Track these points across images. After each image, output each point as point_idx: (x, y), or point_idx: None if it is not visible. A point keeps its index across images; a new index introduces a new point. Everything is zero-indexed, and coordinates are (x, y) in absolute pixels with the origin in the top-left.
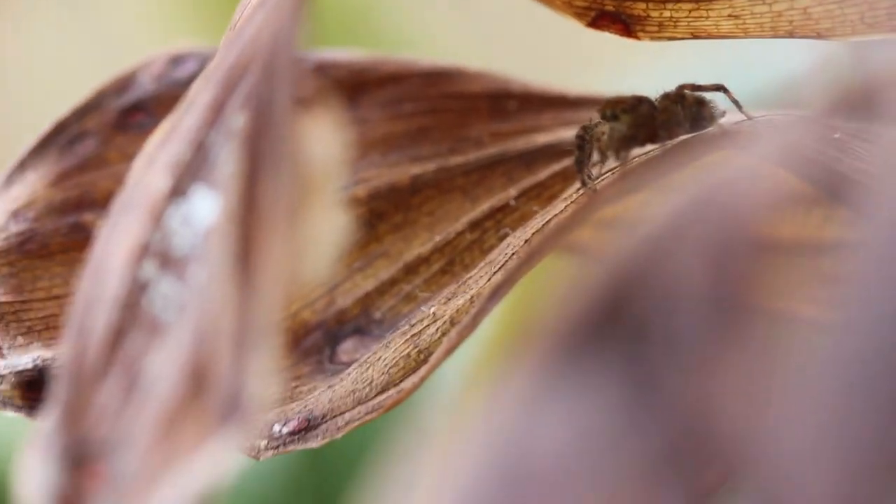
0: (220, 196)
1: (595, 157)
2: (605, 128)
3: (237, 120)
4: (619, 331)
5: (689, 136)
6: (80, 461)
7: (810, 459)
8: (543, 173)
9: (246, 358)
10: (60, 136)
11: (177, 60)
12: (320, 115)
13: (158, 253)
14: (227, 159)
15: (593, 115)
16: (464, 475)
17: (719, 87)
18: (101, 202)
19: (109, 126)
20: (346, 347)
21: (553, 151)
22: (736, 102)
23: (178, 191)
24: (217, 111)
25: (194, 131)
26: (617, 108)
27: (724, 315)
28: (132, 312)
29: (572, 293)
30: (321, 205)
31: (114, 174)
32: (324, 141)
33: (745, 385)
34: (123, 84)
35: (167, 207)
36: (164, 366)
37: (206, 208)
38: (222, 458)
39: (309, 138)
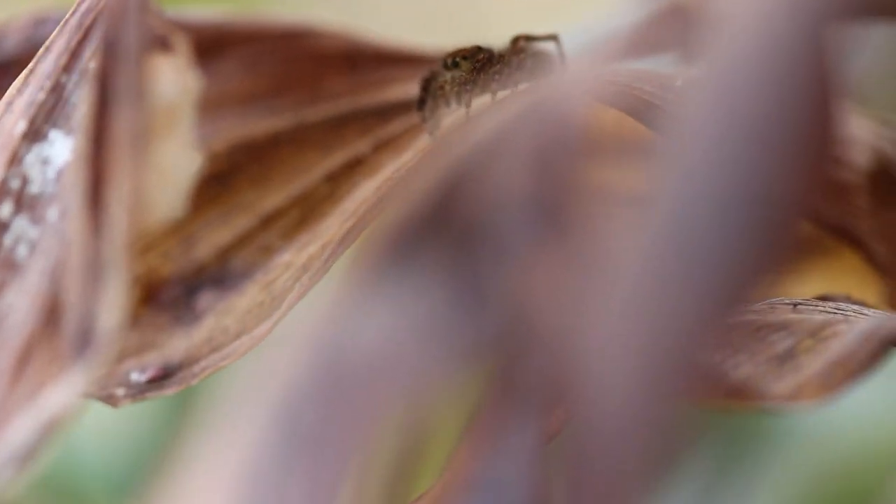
0: (76, 137)
1: (440, 105)
2: (447, 75)
3: (93, 64)
4: (444, 232)
5: (531, 84)
6: None
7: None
8: (396, 126)
9: (96, 292)
10: None
11: (40, 21)
12: (169, 54)
13: (16, 194)
14: (82, 101)
15: (436, 67)
16: (287, 373)
17: (552, 37)
18: None
19: None
20: (204, 298)
21: (405, 105)
22: (562, 53)
23: (34, 133)
24: (73, 55)
25: (50, 75)
26: (457, 56)
27: (546, 216)
28: None
29: (400, 199)
30: (171, 143)
31: None
32: (173, 80)
33: (564, 282)
34: None
35: (24, 149)
36: (18, 302)
37: (62, 149)
38: (76, 388)
39: (159, 79)
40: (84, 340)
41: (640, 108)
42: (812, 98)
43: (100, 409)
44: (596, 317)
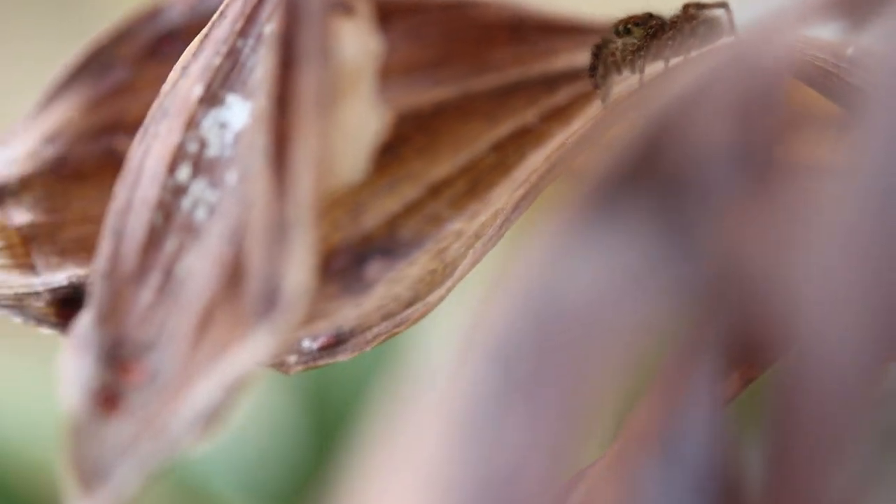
0: (254, 101)
1: (611, 71)
2: (619, 42)
3: (269, 28)
4: (651, 181)
5: (703, 50)
6: (117, 359)
7: (829, 304)
8: (562, 96)
9: (281, 253)
10: (93, 64)
11: None
12: (352, 18)
13: (193, 157)
14: (260, 66)
15: (607, 34)
16: (500, 319)
17: (722, 4)
18: (132, 128)
19: (141, 54)
20: (373, 268)
21: (571, 74)
22: (732, 21)
23: (211, 97)
24: (248, 19)
25: (226, 39)
26: (629, 23)
27: (752, 165)
28: (168, 215)
29: (605, 152)
30: (354, 104)
31: (146, 100)
32: (356, 42)
33: (772, 231)
34: (154, 14)
35: (201, 113)
36: (200, 266)
37: (240, 113)
38: (260, 351)
39: (341, 38)
40: (270, 302)
41: (819, 77)
42: None
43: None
44: (808, 270)
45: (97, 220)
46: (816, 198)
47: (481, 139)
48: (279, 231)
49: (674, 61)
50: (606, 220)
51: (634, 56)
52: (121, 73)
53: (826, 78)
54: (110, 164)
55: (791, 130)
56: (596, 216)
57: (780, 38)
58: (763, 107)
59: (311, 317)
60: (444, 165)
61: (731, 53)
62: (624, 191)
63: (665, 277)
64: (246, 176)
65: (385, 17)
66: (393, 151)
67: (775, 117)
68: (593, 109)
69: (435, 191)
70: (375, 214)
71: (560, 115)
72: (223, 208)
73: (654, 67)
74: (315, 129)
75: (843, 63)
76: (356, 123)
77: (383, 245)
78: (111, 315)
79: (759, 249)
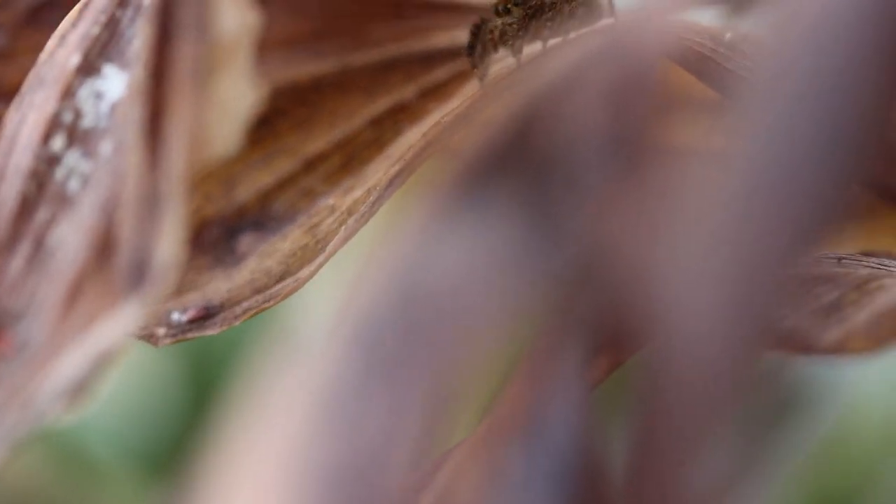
0: (131, 72)
1: (490, 50)
2: (498, 22)
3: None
4: (520, 165)
5: (581, 31)
6: None
7: (694, 291)
8: (441, 72)
9: (152, 225)
10: None
11: None
12: None
13: (68, 127)
14: (137, 37)
15: (486, 14)
16: (366, 301)
17: None
18: (9, 95)
19: (19, 21)
20: (245, 241)
21: (451, 52)
22: (611, 3)
23: (88, 67)
24: None
25: (104, 9)
26: (508, 3)
27: (622, 151)
28: (41, 185)
29: (475, 134)
30: (230, 77)
31: (23, 67)
32: (233, 15)
33: (640, 217)
34: None
35: (77, 83)
36: (71, 236)
37: (116, 84)
38: (129, 322)
39: (218, 12)
40: (139, 274)
41: (697, 61)
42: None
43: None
44: (674, 256)
45: None
46: (685, 184)
47: (358, 114)
48: (151, 203)
49: (552, 42)
50: (474, 203)
51: (513, 36)
52: None
53: (703, 62)
54: None
55: (664, 115)
56: (464, 199)
57: (658, 22)
58: (636, 92)
59: (181, 289)
60: (319, 140)
61: (606, 37)
62: (493, 174)
63: (532, 262)
64: (120, 147)
65: None
66: (269, 125)
67: (648, 103)
68: (472, 88)
69: (309, 165)
70: (248, 187)
71: (438, 92)
72: (96, 179)
73: (532, 48)
74: (190, 102)
75: (721, 48)
76: (231, 97)
77: (255, 218)
78: None
79: (627, 235)
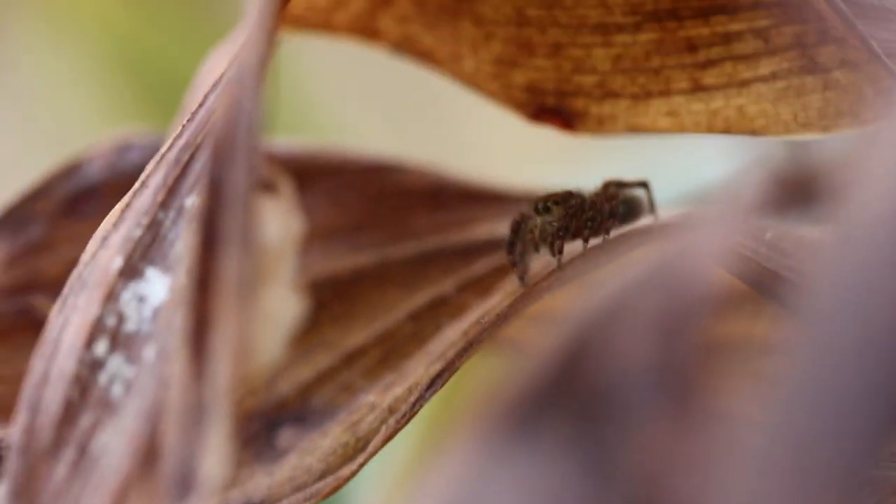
0: (173, 275)
1: (529, 249)
2: (538, 220)
3: (190, 200)
4: (568, 401)
5: (622, 231)
6: None
7: None
8: (480, 266)
9: (198, 437)
10: (9, 221)
11: (123, 148)
12: (275, 198)
13: (111, 331)
14: (180, 239)
15: (525, 209)
16: None
17: (643, 184)
18: (49, 286)
19: (58, 211)
20: (285, 435)
21: (490, 245)
22: (652, 202)
23: (131, 270)
24: (170, 191)
25: (147, 211)
26: (548, 201)
27: (673, 386)
28: (84, 390)
29: (520, 369)
30: (274, 286)
31: (62, 259)
32: (278, 223)
33: (692, 456)
34: (72, 170)
35: (120, 286)
36: (115, 443)
37: (159, 287)
38: None
39: (263, 220)
40: (184, 486)
41: (737, 261)
42: None
43: None
44: (730, 495)
45: (10, 381)
46: (738, 421)
47: (398, 308)
48: (196, 414)
49: (593, 242)
50: (524, 438)
51: (553, 236)
52: (37, 230)
53: (744, 263)
54: (26, 324)
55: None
56: (513, 434)
57: (706, 243)
58: (686, 325)
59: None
60: (359, 333)
61: (655, 262)
62: (541, 406)
63: (583, 501)
64: (164, 353)
65: (304, 179)
66: (309, 318)
67: (699, 336)
68: (512, 283)
69: (349, 359)
70: (289, 381)
71: (478, 286)
72: (140, 385)
73: (572, 246)
74: (235, 313)
75: (762, 247)
76: (276, 307)
77: (296, 412)
78: (25, 490)
79: (680, 474)
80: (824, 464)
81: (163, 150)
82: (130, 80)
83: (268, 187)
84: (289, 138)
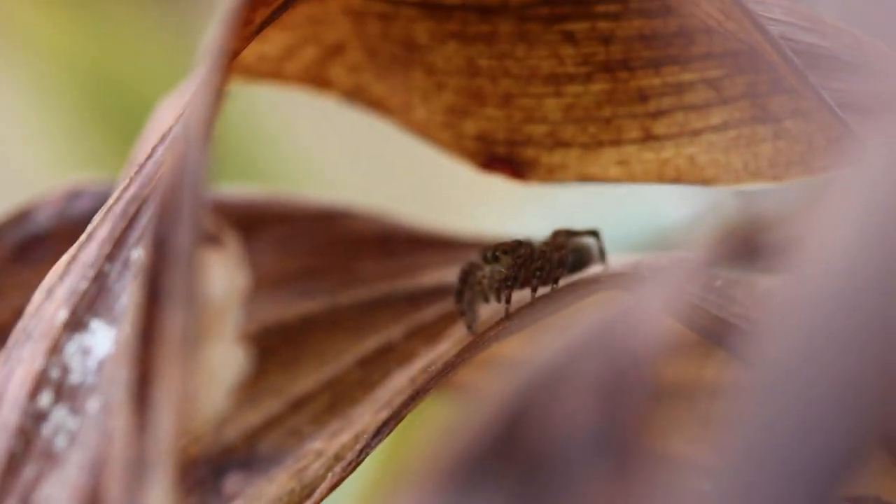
0: (118, 328)
1: (478, 298)
2: (486, 270)
3: (136, 252)
4: (509, 464)
5: (571, 280)
6: None
7: None
8: (429, 313)
9: (140, 488)
10: None
11: (73, 195)
12: (219, 252)
13: (55, 383)
14: (126, 291)
15: (474, 258)
16: None
17: (593, 233)
18: None
19: (6, 258)
20: (232, 481)
21: (439, 291)
22: (602, 251)
23: (76, 322)
24: (116, 244)
25: (93, 263)
26: (497, 250)
27: (615, 451)
28: (28, 441)
29: (462, 426)
30: (218, 339)
31: (10, 306)
32: (222, 276)
33: None
34: (20, 217)
35: (65, 338)
36: (58, 495)
37: (104, 340)
38: None
39: (208, 273)
40: None
41: (686, 310)
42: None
43: None
44: None
45: None
46: (686, 469)
47: (346, 354)
48: (139, 467)
49: (542, 290)
50: (467, 496)
51: (501, 285)
52: None
53: (693, 311)
54: None
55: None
56: (456, 490)
57: (656, 293)
58: (630, 386)
59: None
60: (307, 379)
61: (603, 314)
62: (485, 464)
63: None
64: (108, 405)
65: (252, 227)
66: (257, 364)
67: (642, 397)
68: (460, 330)
69: (297, 405)
70: (236, 427)
71: (426, 333)
72: (84, 437)
73: (522, 294)
74: (179, 366)
75: (712, 295)
76: (220, 359)
77: (243, 458)
78: None
79: None
80: None
81: (110, 202)
82: (91, 109)
83: (213, 240)
84: (237, 186)
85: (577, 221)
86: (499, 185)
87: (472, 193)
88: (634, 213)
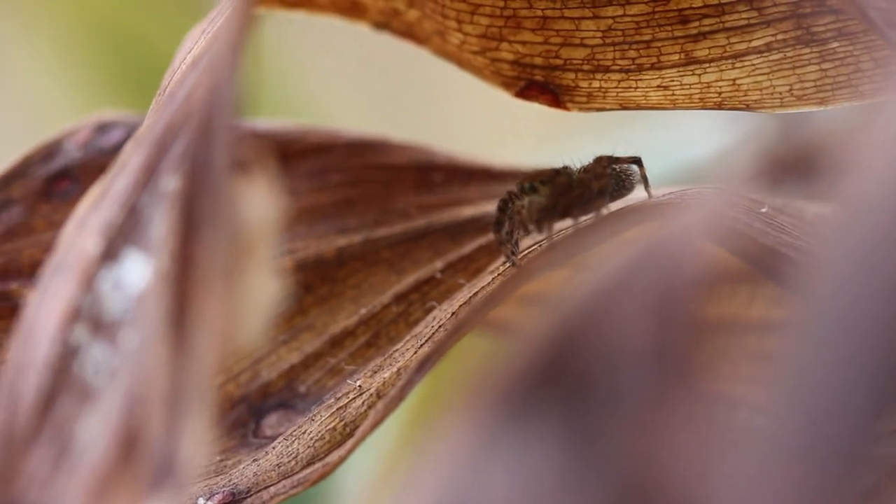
0: (153, 259)
1: (518, 229)
2: (525, 200)
3: (170, 182)
4: (561, 385)
5: (615, 209)
6: None
7: None
8: (469, 246)
9: (178, 423)
10: None
11: (103, 128)
12: (256, 179)
13: (90, 317)
14: (160, 222)
15: (513, 188)
16: None
17: (635, 160)
18: (27, 270)
19: (35, 194)
20: (271, 421)
21: (479, 224)
22: (645, 178)
23: (110, 254)
24: (149, 173)
25: (126, 194)
26: (535, 180)
27: (665, 373)
28: (63, 377)
29: (510, 354)
30: (255, 268)
31: (40, 242)
32: (259, 204)
33: (686, 443)
34: (49, 152)
35: (99, 271)
36: (94, 430)
37: (139, 272)
38: None
39: (244, 201)
40: (164, 471)
41: (732, 238)
42: None
43: None
44: (728, 481)
45: None
46: (735, 403)
47: (385, 290)
48: (175, 402)
49: (584, 220)
50: (517, 425)
51: (540, 215)
52: (14, 215)
53: (739, 239)
54: (3, 309)
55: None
56: (506, 421)
57: (701, 220)
58: (680, 304)
59: (207, 472)
60: (345, 316)
61: (649, 241)
62: (535, 393)
63: (578, 488)
64: (144, 338)
65: (288, 160)
66: (294, 301)
67: (693, 314)
68: (501, 261)
69: (336, 342)
70: (274, 365)
71: (466, 266)
72: (120, 371)
73: (565, 225)
74: (216, 298)
75: (757, 223)
76: (257, 286)
77: (282, 398)
78: (4, 479)
79: (675, 459)
80: (825, 442)
81: (142, 130)
82: (109, 64)
83: (250, 168)
84: (272, 119)
85: (619, 150)
86: (524, 127)
87: (510, 125)
88: (673, 145)
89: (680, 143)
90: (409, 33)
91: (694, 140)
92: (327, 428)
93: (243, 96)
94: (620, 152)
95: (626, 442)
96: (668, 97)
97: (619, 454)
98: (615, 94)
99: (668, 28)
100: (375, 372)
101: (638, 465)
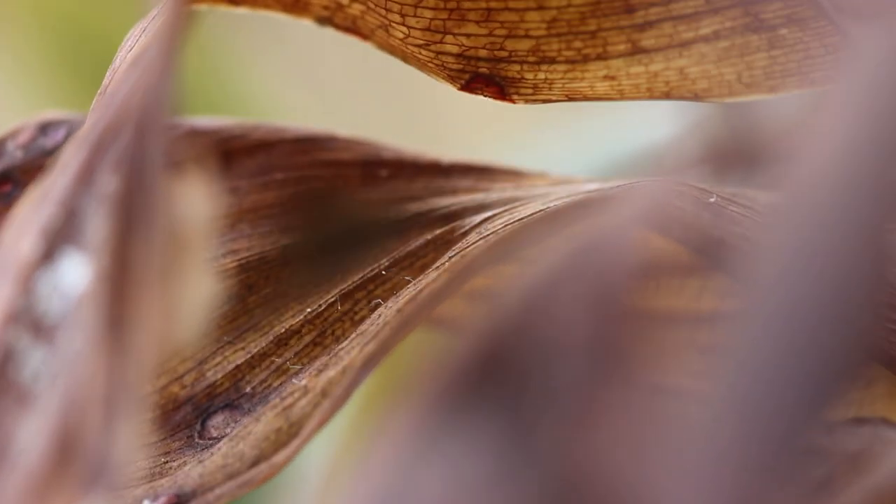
0: (92, 260)
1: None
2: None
3: (109, 183)
4: (497, 381)
5: (562, 203)
6: None
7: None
8: (414, 243)
9: (114, 426)
10: None
11: (46, 128)
12: (193, 179)
13: (27, 320)
14: (99, 223)
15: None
16: None
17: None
18: None
19: None
20: (217, 422)
21: (424, 220)
22: None
23: (48, 256)
24: (88, 174)
25: (65, 195)
26: None
27: (600, 366)
28: (1, 380)
29: (452, 350)
30: (193, 269)
31: None
32: (196, 204)
33: (620, 436)
34: None
35: (37, 273)
36: (32, 434)
37: (78, 273)
38: None
39: (181, 201)
40: (99, 474)
41: (679, 229)
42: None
43: None
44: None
45: None
46: (670, 397)
47: (330, 288)
48: (112, 404)
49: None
50: (453, 423)
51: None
52: None
53: (687, 231)
54: None
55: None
56: (442, 419)
57: (644, 211)
58: (615, 300)
59: (152, 473)
60: (290, 316)
61: (587, 238)
62: (471, 391)
63: (513, 486)
64: (81, 340)
65: (231, 155)
66: (238, 301)
67: (628, 308)
68: (446, 259)
69: (281, 342)
70: (219, 366)
71: (412, 263)
72: (56, 373)
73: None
74: (154, 294)
75: (706, 213)
76: (194, 286)
77: (227, 398)
78: None
79: (611, 454)
80: (768, 431)
81: (81, 130)
82: (68, 63)
83: (187, 167)
84: (215, 117)
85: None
86: (479, 121)
87: (464, 120)
88: (622, 136)
89: (629, 135)
90: (352, 28)
91: (645, 129)
92: (273, 428)
93: (180, 95)
94: (567, 146)
95: (560, 435)
96: (615, 87)
97: (554, 448)
98: (561, 85)
99: (614, 17)
100: (321, 371)
101: (572, 458)
